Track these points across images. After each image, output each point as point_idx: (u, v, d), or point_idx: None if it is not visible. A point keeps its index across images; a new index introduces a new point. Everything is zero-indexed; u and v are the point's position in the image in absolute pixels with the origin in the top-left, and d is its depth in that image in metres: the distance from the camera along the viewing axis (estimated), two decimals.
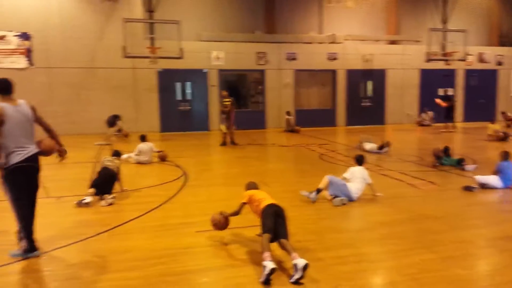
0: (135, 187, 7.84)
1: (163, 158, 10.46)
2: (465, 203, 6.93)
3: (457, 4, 18.44)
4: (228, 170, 9.88)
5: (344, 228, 5.80)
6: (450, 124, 16.53)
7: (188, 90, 17.28)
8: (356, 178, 6.96)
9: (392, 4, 19.76)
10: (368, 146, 11.95)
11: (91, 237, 5.23)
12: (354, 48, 18.72)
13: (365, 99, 19.16)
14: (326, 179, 6.98)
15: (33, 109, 4.82)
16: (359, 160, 7.30)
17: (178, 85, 17.09)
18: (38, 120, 4.88)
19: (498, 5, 21.19)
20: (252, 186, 5.32)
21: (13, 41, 15.05)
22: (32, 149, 4.72)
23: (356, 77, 18.84)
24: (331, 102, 18.87)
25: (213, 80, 17.30)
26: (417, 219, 6.07)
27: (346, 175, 7.08)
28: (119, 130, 14.75)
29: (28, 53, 15.21)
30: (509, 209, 6.73)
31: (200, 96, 17.25)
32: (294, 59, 18.06)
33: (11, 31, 14.99)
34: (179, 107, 16.96)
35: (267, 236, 4.40)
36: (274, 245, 4.46)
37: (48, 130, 5.00)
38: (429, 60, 17.24)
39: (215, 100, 17.23)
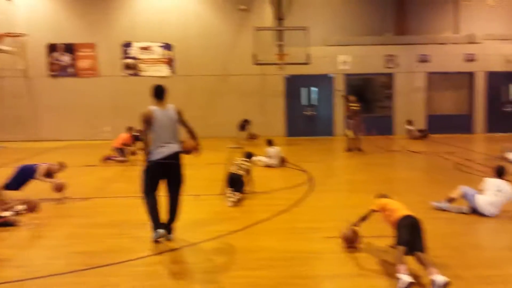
0: (263, 189, 8.14)
1: (282, 161, 10.66)
2: None
3: None
4: (354, 177, 9.71)
5: (486, 246, 5.33)
6: None
7: (314, 95, 17.39)
8: (489, 191, 6.30)
9: None
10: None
11: (226, 234, 5.57)
12: (495, 48, 17.03)
13: (508, 104, 17.28)
14: (460, 189, 6.50)
15: (179, 113, 5.42)
16: (499, 172, 6.60)
17: (304, 91, 17.31)
18: (182, 123, 5.46)
19: None
20: (383, 195, 5.17)
21: (157, 51, 16.71)
22: (175, 148, 5.28)
23: (498, 80, 17.10)
24: (467, 106, 17.42)
25: (339, 84, 17.16)
26: None
27: (481, 186, 6.49)
28: (250, 134, 15.45)
29: (170, 62, 16.76)
30: None
31: (325, 101, 17.24)
32: (426, 61, 17.08)
33: (155, 42, 16.66)
34: (304, 112, 17.16)
35: (402, 248, 4.24)
36: (409, 259, 4.28)
37: (190, 131, 5.54)
38: None
39: (341, 105, 17.06)
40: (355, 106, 12.80)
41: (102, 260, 4.76)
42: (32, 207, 6.39)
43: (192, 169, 7.95)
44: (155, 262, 4.78)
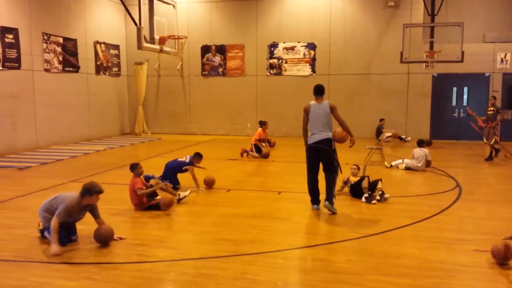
0: (405, 193, 7.83)
1: (427, 165, 10.03)
2: None
3: None
4: (507, 187, 8.73)
5: None
6: None
7: (465, 96, 16.00)
8: None
9: None
10: None
11: (365, 237, 5.52)
12: None
13: None
14: None
15: (332, 107, 6.60)
16: None
17: (454, 90, 16.05)
18: (335, 116, 6.61)
19: None
20: None
21: (301, 51, 17.07)
22: (325, 135, 6.47)
23: None
24: None
25: (496, 85, 15.50)
26: None
27: None
28: (385, 136, 14.97)
29: (312, 61, 17.00)
30: None
31: (479, 102, 15.71)
32: None
33: (300, 42, 17.04)
34: (453, 114, 15.93)
35: None
36: None
37: (341, 123, 6.64)
38: None
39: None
40: (491, 109, 11.70)
41: (244, 249, 5.10)
42: (166, 204, 6.76)
43: None
44: (293, 257, 4.98)
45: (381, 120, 15.36)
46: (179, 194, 7.15)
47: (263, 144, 12.30)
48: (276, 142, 13.88)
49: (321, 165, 6.61)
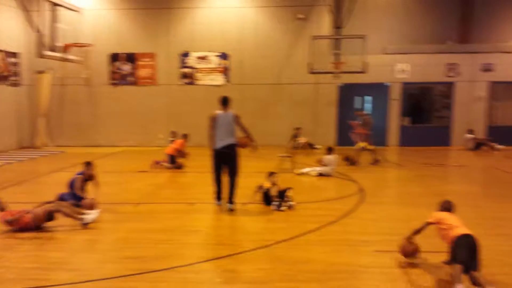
0: (313, 199, 8.07)
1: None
2: None
3: None
4: (407, 189, 9.40)
5: None
6: None
7: (367, 104, 17.04)
8: None
9: None
10: None
11: (274, 244, 5.57)
12: None
13: None
14: None
15: (236, 116, 7.38)
16: None
17: (357, 99, 17.02)
18: (238, 124, 7.39)
19: None
20: (447, 205, 4.94)
21: (214, 61, 17.09)
22: (230, 141, 7.24)
23: None
24: None
25: (395, 93, 16.73)
26: None
27: None
28: (299, 144, 15.45)
29: (225, 71, 17.09)
30: None
31: (379, 110, 16.83)
32: (489, 70, 16.27)
33: (212, 52, 17.05)
34: (358, 122, 16.84)
35: (459, 267, 4.08)
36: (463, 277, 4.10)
37: (244, 131, 7.49)
38: None
39: (396, 115, 16.66)
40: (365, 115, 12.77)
41: (152, 266, 4.89)
42: (89, 205, 6.76)
43: (241, 177, 8.08)
44: (204, 269, 4.87)
45: (297, 128, 15.75)
46: (84, 218, 6.32)
47: (181, 154, 11.99)
48: (189, 152, 13.66)
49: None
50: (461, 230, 4.43)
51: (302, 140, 15.68)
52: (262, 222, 6.71)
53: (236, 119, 7.35)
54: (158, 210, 7.43)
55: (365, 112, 13.15)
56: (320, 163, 10.64)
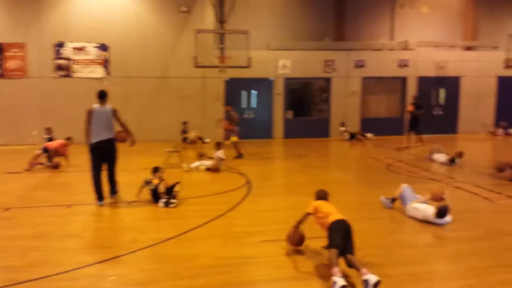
0: (200, 194, 8.01)
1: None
2: None
3: None
4: (291, 179, 9.82)
5: (414, 243, 5.53)
6: (416, 136, 14.44)
7: (254, 99, 17.47)
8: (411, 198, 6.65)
9: (469, 9, 18.75)
10: (439, 157, 11.39)
11: (160, 242, 5.39)
12: (427, 55, 17.97)
13: (437, 107, 18.31)
14: (400, 188, 6.78)
15: (114, 110, 7.34)
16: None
17: (244, 94, 17.35)
18: (116, 118, 7.38)
19: None
20: (322, 194, 5.22)
21: (92, 52, 16.05)
22: (108, 135, 7.21)
23: (428, 84, 18.06)
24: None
25: (279, 88, 17.36)
26: (494, 235, 5.67)
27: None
28: (186, 138, 15.29)
29: (105, 63, 16.16)
30: None
31: (265, 104, 17.37)
32: (362, 66, 17.69)
33: (91, 42, 16.00)
34: (243, 115, 17.19)
35: (335, 251, 4.33)
36: (339, 260, 4.36)
37: (122, 125, 7.50)
38: (508, 67, 16.14)
39: (280, 108, 17.30)
40: (232, 113, 12.95)
41: (23, 276, 4.43)
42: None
43: (126, 175, 7.70)
44: (83, 276, 4.52)
45: (184, 122, 15.56)
46: None
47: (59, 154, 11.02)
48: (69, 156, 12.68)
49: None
50: (335, 216, 4.71)
51: (192, 134, 15.53)
52: (148, 221, 6.47)
53: (115, 114, 7.36)
54: (30, 215, 6.74)
55: (231, 107, 13.33)
56: (203, 157, 10.69)
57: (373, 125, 17.57)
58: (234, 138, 12.63)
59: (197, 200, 7.57)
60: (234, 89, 17.02)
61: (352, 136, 16.64)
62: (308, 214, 4.97)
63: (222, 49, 15.20)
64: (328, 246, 4.49)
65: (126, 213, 6.85)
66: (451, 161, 10.95)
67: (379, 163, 11.38)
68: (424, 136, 14.56)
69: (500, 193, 7.84)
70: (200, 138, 15.67)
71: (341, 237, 4.46)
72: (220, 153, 10.65)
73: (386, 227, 6.08)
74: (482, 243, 5.40)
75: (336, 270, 4.12)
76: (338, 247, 4.37)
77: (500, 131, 17.76)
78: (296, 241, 5.09)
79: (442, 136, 17.14)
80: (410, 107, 14.73)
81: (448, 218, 6.14)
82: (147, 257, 4.99)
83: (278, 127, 17.51)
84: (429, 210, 6.16)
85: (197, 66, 14.74)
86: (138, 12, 16.15)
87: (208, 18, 16.45)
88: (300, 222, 5.05)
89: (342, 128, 16.99)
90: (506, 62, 16.00)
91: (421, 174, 9.82)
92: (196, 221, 6.21)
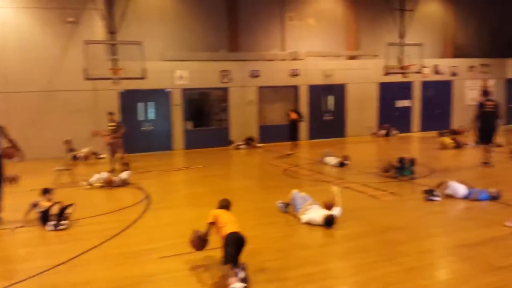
0: (94, 213, 7.59)
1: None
2: (425, 213, 7.11)
3: (413, 19, 19.10)
4: (193, 190, 9.76)
5: (310, 244, 5.81)
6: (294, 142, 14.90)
7: (151, 110, 17.06)
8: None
9: (351, 21, 20.26)
10: (330, 160, 12.12)
11: (48, 270, 5.01)
12: (315, 64, 19.03)
13: (327, 113, 19.48)
14: (290, 194, 7.09)
15: (1, 127, 7.19)
16: None
17: (140, 106, 16.86)
18: (3, 135, 7.18)
19: (453, 19, 22.13)
20: (224, 203, 5.26)
21: None
22: None
23: (318, 92, 19.14)
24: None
25: (177, 99, 17.18)
26: (380, 230, 6.16)
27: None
28: (75, 156, 14.49)
29: None
30: (468, 216, 6.93)
31: (163, 116, 17.06)
32: (257, 76, 18.19)
33: None
34: (141, 128, 16.71)
35: (228, 266, 4.42)
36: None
37: (10, 141, 7.27)
38: (387, 74, 17.73)
39: (179, 119, 17.12)
40: (112, 125, 12.29)
41: None
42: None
43: (13, 197, 7.10)
44: None
45: (67, 141, 14.47)
46: None
47: None
48: None
49: None
50: (230, 228, 4.78)
51: (83, 150, 14.71)
52: (35, 247, 5.98)
53: (2, 130, 7.15)
54: None
55: (116, 119, 12.67)
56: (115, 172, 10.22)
57: (271, 132, 18.14)
58: (119, 153, 11.99)
59: (91, 220, 7.17)
60: (129, 101, 16.45)
61: (248, 143, 17.03)
62: (210, 224, 4.98)
63: (114, 60, 14.67)
64: (224, 262, 4.55)
65: (8, 240, 6.26)
66: (341, 163, 11.72)
67: (276, 169, 11.78)
68: (318, 141, 15.38)
69: (384, 190, 8.55)
70: (94, 153, 14.89)
71: (234, 250, 4.56)
72: (126, 174, 10.19)
73: (282, 231, 6.31)
74: (368, 239, 5.84)
75: (232, 280, 4.19)
76: (232, 261, 4.46)
77: (382, 132, 19.38)
78: (198, 244, 5.05)
79: (333, 140, 18.23)
80: (293, 115, 15.23)
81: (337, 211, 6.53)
82: (35, 286, 4.60)
83: (178, 138, 17.28)
84: (317, 220, 6.46)
85: (88, 79, 14.02)
86: (19, 23, 14.94)
87: (97, 29, 15.75)
88: (206, 234, 5.01)
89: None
90: (386, 69, 17.57)
91: (315, 177, 10.35)
92: (90, 243, 5.88)
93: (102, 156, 14.87)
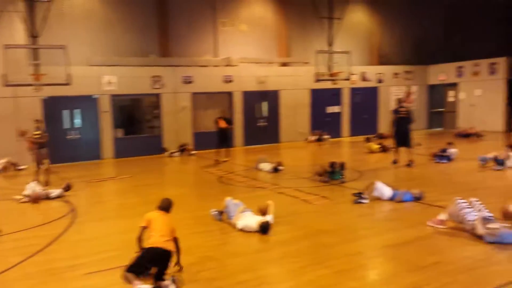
0: (16, 229, 7.06)
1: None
2: (354, 215, 7.35)
3: (341, 27, 19.83)
4: (123, 201, 9.40)
5: (244, 252, 5.78)
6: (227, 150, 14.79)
7: (77, 118, 16.25)
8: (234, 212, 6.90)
9: (282, 29, 20.66)
10: (264, 166, 12.22)
11: None
12: (248, 71, 19.17)
13: (261, 119, 19.68)
14: (224, 202, 7.03)
15: None
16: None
17: (66, 113, 16.01)
18: None
19: (378, 28, 23.28)
20: (164, 204, 5.13)
21: None
22: None
23: (252, 98, 19.29)
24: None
25: (105, 105, 16.52)
26: (312, 234, 6.27)
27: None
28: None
29: None
30: (393, 217, 7.25)
31: (90, 123, 16.31)
32: (190, 82, 17.97)
33: None
34: (67, 136, 15.86)
35: (130, 274, 4.39)
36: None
37: None
38: (317, 81, 18.27)
39: (108, 127, 16.48)
40: (37, 133, 11.35)
41: None
42: None
43: None
44: None
45: None
46: None
47: None
48: None
49: None
50: (154, 240, 4.65)
51: (1, 161, 13.71)
52: None
53: None
54: None
55: (42, 127, 11.72)
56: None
57: (205, 139, 17.94)
58: (45, 164, 11.24)
59: (11, 236, 6.65)
60: (54, 108, 15.57)
61: (182, 150, 16.76)
62: (143, 228, 4.82)
63: (36, 65, 13.86)
64: (127, 268, 4.45)
65: None
66: (275, 169, 11.85)
67: (211, 176, 11.68)
68: (253, 147, 15.45)
69: (317, 195, 8.74)
70: (13, 164, 13.88)
71: (143, 265, 4.49)
72: (34, 185, 9.52)
73: (217, 239, 6.23)
74: (301, 244, 5.92)
75: (136, 282, 4.23)
76: (133, 272, 4.40)
77: (314, 138, 19.88)
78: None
79: (267, 146, 18.44)
80: (222, 123, 15.12)
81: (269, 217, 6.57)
82: None
83: (108, 146, 16.62)
84: (253, 226, 6.45)
85: (8, 85, 13.15)
86: None
87: (17, 32, 14.82)
88: (139, 240, 4.83)
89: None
90: (316, 76, 18.10)
91: (249, 184, 10.38)
92: (9, 261, 5.45)
93: (22, 167, 13.93)
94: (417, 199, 8.00)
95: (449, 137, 16.64)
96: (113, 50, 17.18)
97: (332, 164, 10.27)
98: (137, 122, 18.46)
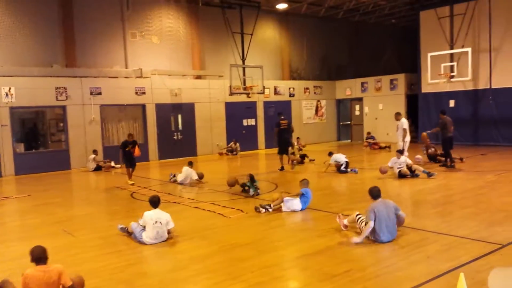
0: None
1: None
2: (268, 227, 7.41)
3: (254, 42, 20.21)
4: (23, 222, 8.63)
5: (156, 271, 5.54)
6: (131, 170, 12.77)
7: None
8: (149, 224, 6.56)
9: (194, 42, 20.52)
10: (181, 179, 11.99)
11: None
12: (162, 83, 18.79)
13: (176, 132, 19.35)
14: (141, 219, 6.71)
15: None
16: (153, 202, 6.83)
17: None
18: None
19: (287, 45, 24.09)
20: (36, 255, 4.22)
21: None
22: None
23: (166, 111, 18.91)
24: (142, 136, 18.48)
25: (4, 118, 15.19)
26: (227, 249, 6.20)
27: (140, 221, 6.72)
28: None
29: None
30: (305, 227, 7.43)
31: None
32: (99, 94, 17.16)
33: None
34: None
35: None
36: None
37: None
38: (232, 94, 18.43)
39: (8, 142, 15.17)
40: None
41: None
42: None
43: None
44: None
45: None
46: None
47: None
48: None
49: None
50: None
51: None
52: None
53: None
54: None
55: None
56: None
57: (118, 153, 17.17)
58: None
59: None
60: None
61: (99, 167, 15.92)
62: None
63: None
64: None
65: None
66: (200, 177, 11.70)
67: (124, 192, 11.18)
68: (168, 161, 15.07)
69: (232, 208, 8.70)
70: None
71: None
72: None
73: (126, 260, 5.90)
74: (216, 259, 5.81)
75: None
76: None
77: (225, 149, 19.91)
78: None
79: (183, 159, 18.13)
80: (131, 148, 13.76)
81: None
82: None
83: (7, 163, 15.27)
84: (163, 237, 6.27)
85: None
86: None
87: None
88: None
89: (92, 156, 15.95)
90: (230, 89, 18.24)
91: (164, 198, 10.05)
92: None
93: None
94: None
95: (357, 149, 17.55)
96: (11, 60, 15.88)
97: (250, 176, 10.21)
98: (40, 136, 17.22)
